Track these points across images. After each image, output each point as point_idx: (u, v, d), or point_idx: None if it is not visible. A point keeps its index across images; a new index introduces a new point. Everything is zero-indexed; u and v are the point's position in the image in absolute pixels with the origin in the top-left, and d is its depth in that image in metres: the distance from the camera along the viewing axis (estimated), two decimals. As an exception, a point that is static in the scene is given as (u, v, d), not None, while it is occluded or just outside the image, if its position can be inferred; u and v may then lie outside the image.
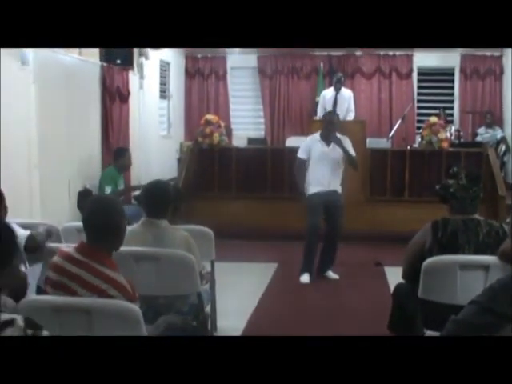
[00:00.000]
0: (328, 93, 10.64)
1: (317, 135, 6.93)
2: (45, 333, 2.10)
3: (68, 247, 3.15)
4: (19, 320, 2.06)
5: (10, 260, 2.33)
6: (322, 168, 6.81)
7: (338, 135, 6.81)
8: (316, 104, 12.46)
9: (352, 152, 6.86)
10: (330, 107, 10.07)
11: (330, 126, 6.80)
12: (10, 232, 2.39)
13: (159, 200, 4.08)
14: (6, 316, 2.07)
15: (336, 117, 7.04)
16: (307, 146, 6.94)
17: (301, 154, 6.96)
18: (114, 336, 2.54)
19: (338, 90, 10.41)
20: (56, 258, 3.06)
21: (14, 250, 2.39)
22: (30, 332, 2.05)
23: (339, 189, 6.96)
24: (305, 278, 6.82)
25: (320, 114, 10.51)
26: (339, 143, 6.72)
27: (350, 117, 10.23)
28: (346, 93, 10.58)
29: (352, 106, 10.50)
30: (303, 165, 6.92)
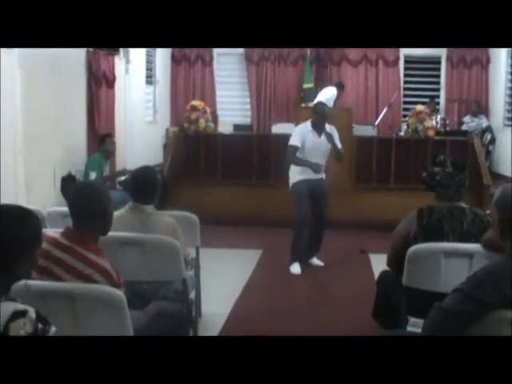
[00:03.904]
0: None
1: (308, 125, 6.84)
2: (53, 330, 2.09)
3: (54, 232, 3.15)
4: (31, 312, 2.05)
5: (38, 246, 2.31)
6: (312, 158, 6.76)
7: (327, 126, 6.78)
8: (303, 91, 12.50)
9: (338, 143, 6.84)
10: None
11: (322, 118, 6.74)
12: (37, 219, 2.35)
13: (147, 185, 4.10)
14: (20, 306, 2.06)
15: (327, 108, 6.92)
16: (301, 134, 6.78)
17: (295, 142, 6.75)
18: (101, 336, 2.53)
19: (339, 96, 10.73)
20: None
21: (40, 236, 2.36)
22: (40, 326, 2.05)
23: (324, 176, 6.97)
24: (295, 268, 6.80)
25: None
26: (331, 139, 6.68)
27: None
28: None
29: None
30: (296, 152, 6.78)
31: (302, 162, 6.74)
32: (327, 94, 10.55)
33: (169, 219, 4.15)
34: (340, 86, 11.07)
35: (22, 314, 2.03)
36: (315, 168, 6.66)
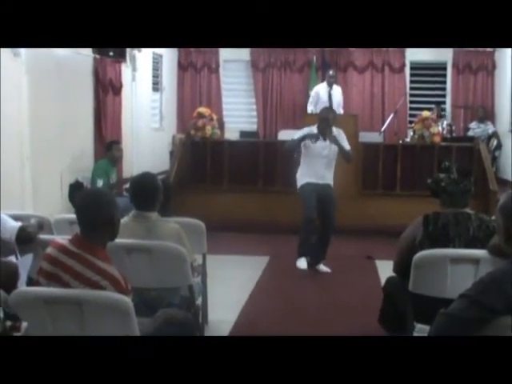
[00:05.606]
0: (321, 88, 10.80)
1: (314, 129, 6.91)
2: (24, 325, 2.08)
3: (62, 239, 3.16)
4: None
5: None
6: (318, 162, 6.83)
7: (334, 129, 6.82)
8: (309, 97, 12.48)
9: (346, 145, 6.88)
10: (325, 102, 10.19)
11: (326, 123, 6.79)
12: None
13: (147, 192, 4.07)
14: None
15: (332, 113, 7.02)
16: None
17: (294, 136, 6.95)
18: (106, 336, 2.54)
19: (331, 85, 10.62)
20: (50, 249, 3.07)
21: None
22: (8, 324, 2.03)
23: (332, 183, 6.98)
24: (302, 263, 6.85)
25: (312, 108, 10.56)
26: (336, 142, 6.73)
27: (340, 111, 10.32)
28: (337, 88, 10.83)
29: (341, 101, 10.74)
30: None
31: (295, 141, 6.88)
32: (313, 96, 10.65)
33: (173, 225, 4.14)
34: (328, 77, 11.02)
35: None
36: (312, 136, 6.75)
